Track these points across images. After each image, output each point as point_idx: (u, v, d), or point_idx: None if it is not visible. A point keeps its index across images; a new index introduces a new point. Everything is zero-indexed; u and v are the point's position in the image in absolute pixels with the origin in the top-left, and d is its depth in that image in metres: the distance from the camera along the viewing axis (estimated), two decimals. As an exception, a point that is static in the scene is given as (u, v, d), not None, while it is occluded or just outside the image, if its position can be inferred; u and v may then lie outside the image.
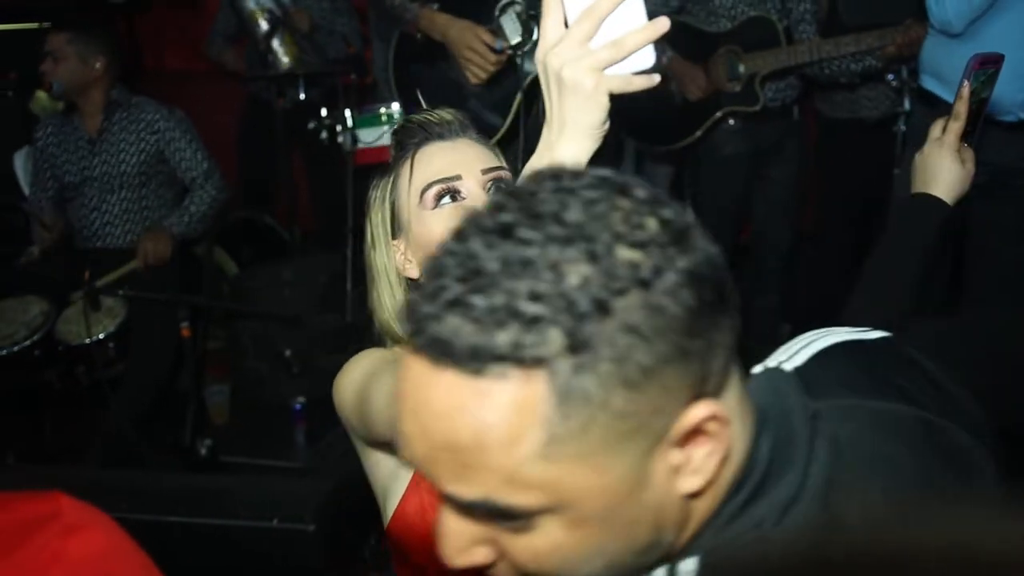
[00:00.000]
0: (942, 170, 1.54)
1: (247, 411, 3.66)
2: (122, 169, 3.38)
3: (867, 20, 3.25)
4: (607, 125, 0.95)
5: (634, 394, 0.65)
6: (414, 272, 1.27)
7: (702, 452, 0.72)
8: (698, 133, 3.31)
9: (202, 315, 3.36)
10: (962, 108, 1.53)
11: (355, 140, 3.72)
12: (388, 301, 1.29)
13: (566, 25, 0.92)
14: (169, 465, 3.07)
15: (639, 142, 3.82)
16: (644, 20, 0.90)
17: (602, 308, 0.64)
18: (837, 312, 4.38)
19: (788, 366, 0.89)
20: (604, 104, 0.92)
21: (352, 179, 3.64)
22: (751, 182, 3.45)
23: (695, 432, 0.70)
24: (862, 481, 0.78)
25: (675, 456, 0.71)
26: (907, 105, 3.53)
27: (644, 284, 0.65)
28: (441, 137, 1.27)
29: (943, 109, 2.70)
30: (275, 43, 3.89)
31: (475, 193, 1.23)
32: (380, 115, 3.72)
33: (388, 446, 1.23)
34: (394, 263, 1.28)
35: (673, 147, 3.41)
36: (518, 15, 2.59)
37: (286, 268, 3.80)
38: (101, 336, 3.10)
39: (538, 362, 0.64)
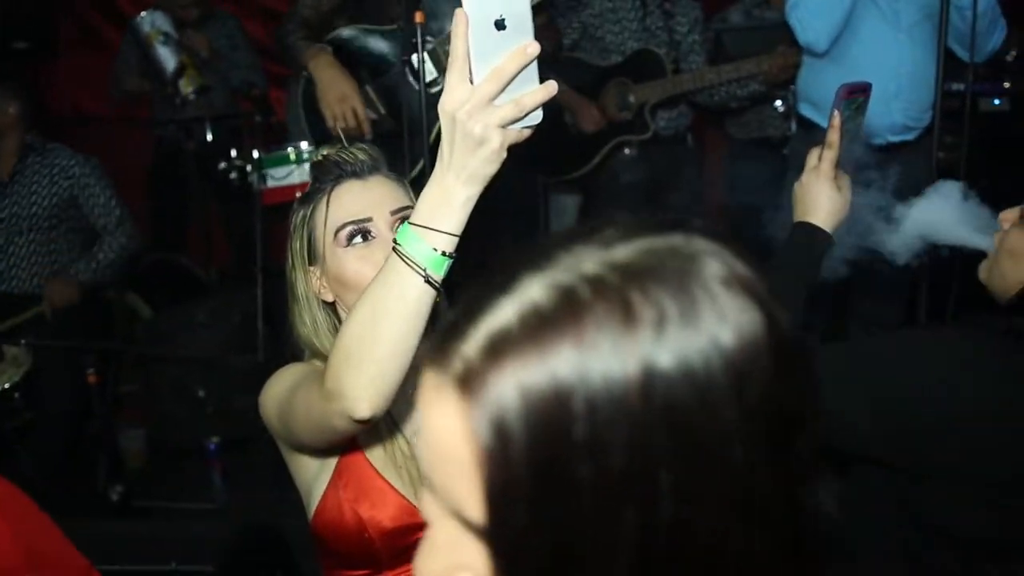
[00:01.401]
0: (821, 198, 1.58)
1: (163, 453, 3.65)
2: (32, 211, 3.35)
3: (750, 50, 3.41)
4: None
5: None
6: (329, 296, 1.38)
7: None
8: (595, 161, 3.43)
9: (112, 360, 3.36)
10: (835, 137, 1.58)
11: (264, 179, 3.74)
12: (308, 319, 1.40)
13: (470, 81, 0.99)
14: (80, 513, 3.04)
15: (540, 173, 3.93)
16: (537, 81, 0.98)
17: None
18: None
19: None
20: (503, 157, 1.00)
21: (261, 218, 3.65)
22: (651, 209, 3.57)
23: None
24: None
25: None
26: (794, 128, 3.70)
27: None
28: (356, 175, 1.35)
29: (818, 134, 2.86)
30: (174, 73, 3.87)
31: (384, 233, 1.32)
32: (288, 154, 3.74)
33: (309, 449, 1.35)
34: (312, 287, 1.39)
35: (572, 176, 3.52)
36: (430, 54, 2.61)
37: (199, 309, 3.80)
38: (6, 386, 3.07)
39: None
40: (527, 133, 1.02)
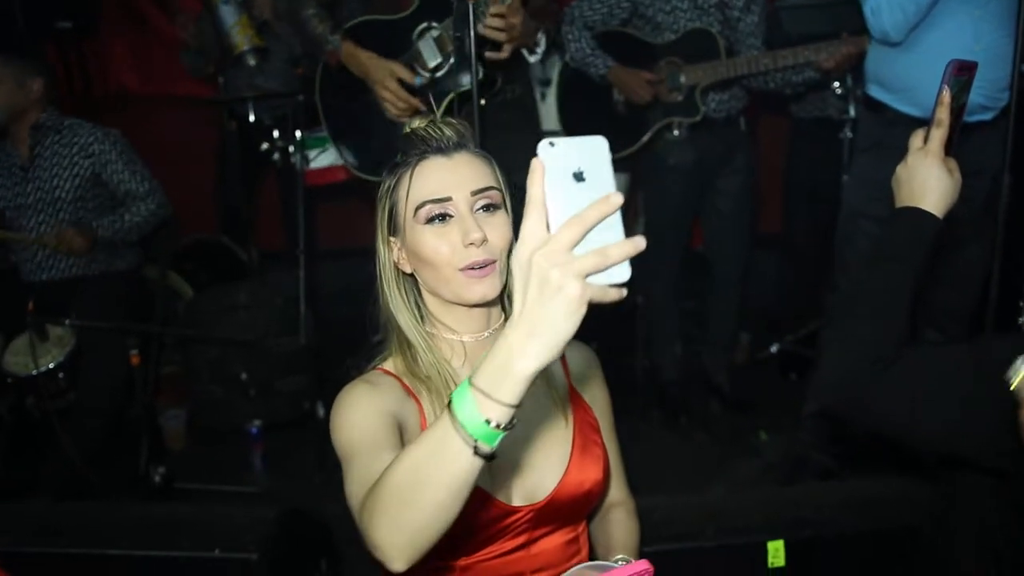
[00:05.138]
0: (930, 180, 1.45)
1: (204, 436, 3.64)
2: (56, 195, 3.28)
3: (810, 30, 3.29)
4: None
5: None
6: (408, 268, 1.40)
7: None
8: (643, 140, 3.32)
9: (154, 341, 3.33)
10: (944, 115, 1.45)
11: (306, 160, 3.70)
12: (387, 291, 1.42)
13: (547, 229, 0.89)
14: (123, 494, 3.04)
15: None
16: (622, 233, 0.88)
17: None
18: (799, 321, 4.33)
19: None
20: (583, 314, 0.87)
21: (303, 200, 3.61)
22: (700, 192, 3.47)
23: None
24: None
25: None
26: (852, 112, 3.58)
27: None
28: (440, 151, 1.37)
29: (889, 115, 2.75)
30: (231, 28, 3.79)
31: (462, 212, 1.33)
32: (331, 135, 3.69)
33: None
34: (392, 256, 1.41)
35: (619, 155, 3.42)
36: (435, 40, 2.60)
37: (241, 291, 3.77)
38: (50, 366, 3.06)
39: None
40: (614, 293, 0.88)
